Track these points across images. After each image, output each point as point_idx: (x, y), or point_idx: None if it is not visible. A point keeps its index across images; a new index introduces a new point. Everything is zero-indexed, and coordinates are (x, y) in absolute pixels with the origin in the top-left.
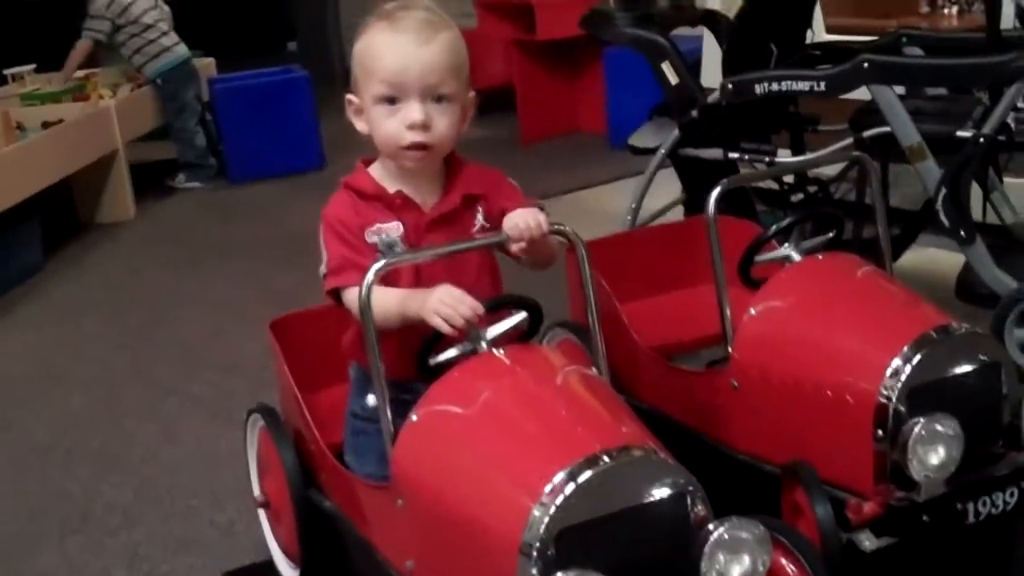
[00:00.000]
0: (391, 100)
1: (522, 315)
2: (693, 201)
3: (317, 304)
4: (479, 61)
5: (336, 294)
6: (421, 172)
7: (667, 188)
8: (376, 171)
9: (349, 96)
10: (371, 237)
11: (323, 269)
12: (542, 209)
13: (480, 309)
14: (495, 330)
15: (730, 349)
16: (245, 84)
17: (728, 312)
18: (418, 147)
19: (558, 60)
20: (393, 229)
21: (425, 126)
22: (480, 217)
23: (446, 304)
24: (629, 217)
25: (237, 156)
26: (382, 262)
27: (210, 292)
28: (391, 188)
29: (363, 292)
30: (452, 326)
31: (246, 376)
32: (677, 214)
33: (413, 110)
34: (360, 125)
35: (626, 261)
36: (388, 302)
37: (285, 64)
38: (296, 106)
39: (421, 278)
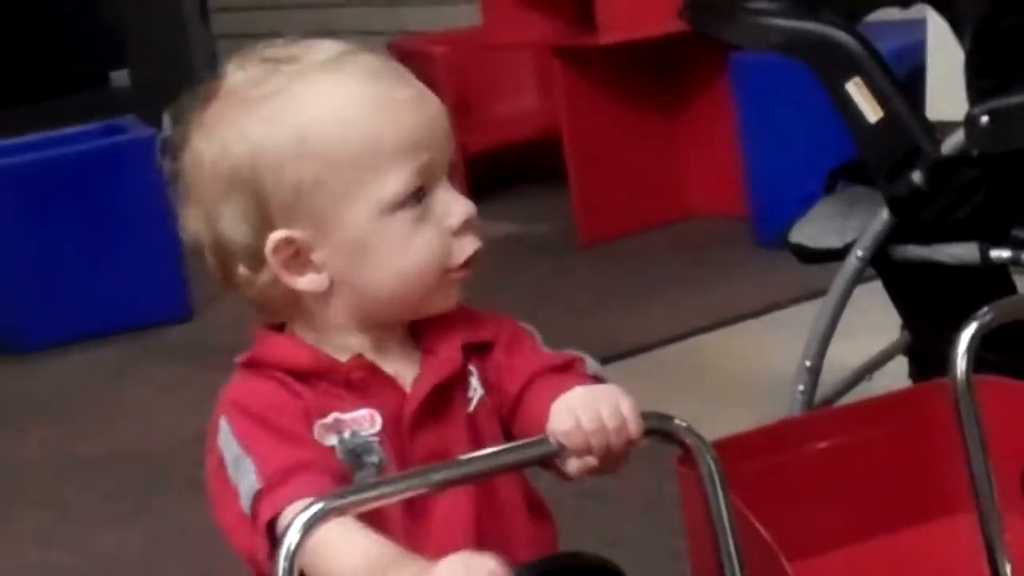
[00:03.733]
0: (418, 195)
1: None
2: (924, 349)
3: None
4: (491, 91)
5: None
6: (395, 327)
7: (871, 323)
8: (306, 334)
9: (282, 235)
10: (327, 437)
11: (251, 487)
12: (599, 378)
13: None
14: None
15: None
16: (27, 163)
17: (1008, 570)
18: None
19: (640, 81)
20: (365, 422)
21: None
22: (475, 382)
23: None
24: (801, 387)
25: (20, 305)
26: (320, 503)
27: None
28: (340, 355)
29: (286, 546)
30: None
31: None
32: (896, 375)
33: (454, 198)
34: (312, 281)
35: (800, 477)
36: (355, 563)
37: (107, 115)
38: (130, 200)
39: (417, 512)
